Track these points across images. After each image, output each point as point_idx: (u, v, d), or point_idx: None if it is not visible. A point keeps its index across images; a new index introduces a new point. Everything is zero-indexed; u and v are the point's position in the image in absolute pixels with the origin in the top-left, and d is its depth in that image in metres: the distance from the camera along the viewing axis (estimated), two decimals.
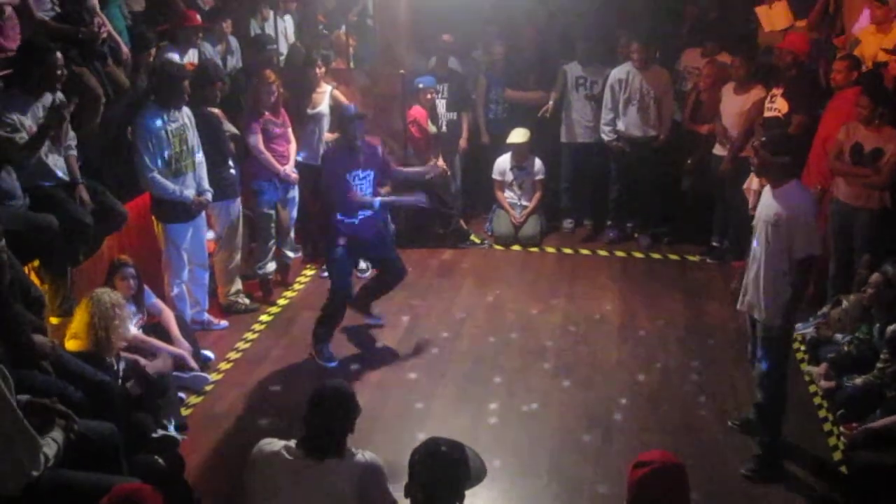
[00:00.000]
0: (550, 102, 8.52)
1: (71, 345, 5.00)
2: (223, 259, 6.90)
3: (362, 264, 7.68)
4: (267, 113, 6.95)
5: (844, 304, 6.06)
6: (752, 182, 7.00)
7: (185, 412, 5.59)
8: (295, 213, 7.46)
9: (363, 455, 3.38)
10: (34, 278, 5.16)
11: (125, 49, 6.59)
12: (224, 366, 6.28)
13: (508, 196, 8.69)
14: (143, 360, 5.26)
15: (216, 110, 6.67)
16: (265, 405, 5.75)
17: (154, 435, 4.91)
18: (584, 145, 8.61)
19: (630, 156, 8.28)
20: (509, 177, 8.66)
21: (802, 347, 6.34)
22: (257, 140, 6.91)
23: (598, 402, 5.78)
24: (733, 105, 7.53)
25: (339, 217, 6.19)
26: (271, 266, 7.36)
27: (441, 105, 8.49)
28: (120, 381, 4.95)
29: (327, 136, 7.58)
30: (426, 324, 6.92)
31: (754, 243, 4.93)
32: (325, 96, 7.60)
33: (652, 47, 8.17)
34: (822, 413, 5.63)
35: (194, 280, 6.54)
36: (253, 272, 7.30)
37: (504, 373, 6.16)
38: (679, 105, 8.33)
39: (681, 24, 9.03)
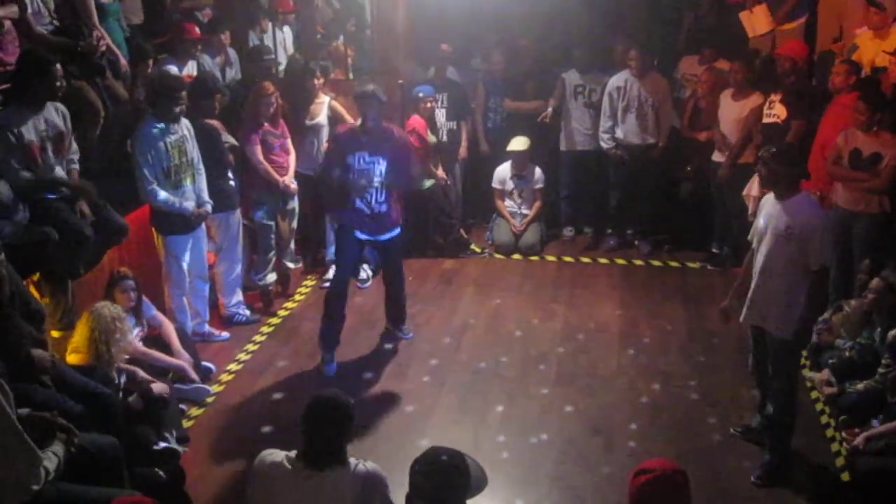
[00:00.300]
0: (549, 109, 8.53)
1: (72, 358, 5.00)
2: (223, 270, 6.90)
3: (363, 273, 7.70)
4: (266, 124, 6.96)
5: (845, 309, 6.05)
6: (752, 188, 7.00)
7: (186, 424, 5.58)
8: (295, 224, 7.46)
9: (364, 465, 3.37)
10: (34, 291, 5.15)
11: (124, 62, 6.61)
12: (225, 377, 6.27)
13: (508, 205, 8.69)
14: (140, 372, 5.24)
15: (215, 122, 6.68)
16: (267, 416, 5.74)
17: (155, 447, 4.90)
18: (583, 153, 8.62)
19: (629, 163, 8.29)
20: (509, 185, 8.67)
21: (804, 353, 6.32)
22: (256, 151, 6.91)
23: (600, 410, 5.77)
24: (731, 111, 7.54)
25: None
26: (271, 277, 7.36)
27: (440, 114, 8.49)
28: (121, 394, 4.95)
29: (326, 146, 7.59)
30: (427, 333, 6.91)
31: (760, 256, 4.88)
32: (323, 107, 7.61)
33: (650, 55, 8.19)
34: (824, 419, 5.62)
35: (195, 292, 6.54)
36: (253, 283, 7.30)
37: (505, 381, 6.15)
38: (677, 112, 8.34)
39: (679, 31, 9.04)
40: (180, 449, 5.12)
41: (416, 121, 8.06)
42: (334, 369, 6.30)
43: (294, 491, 3.30)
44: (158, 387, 5.12)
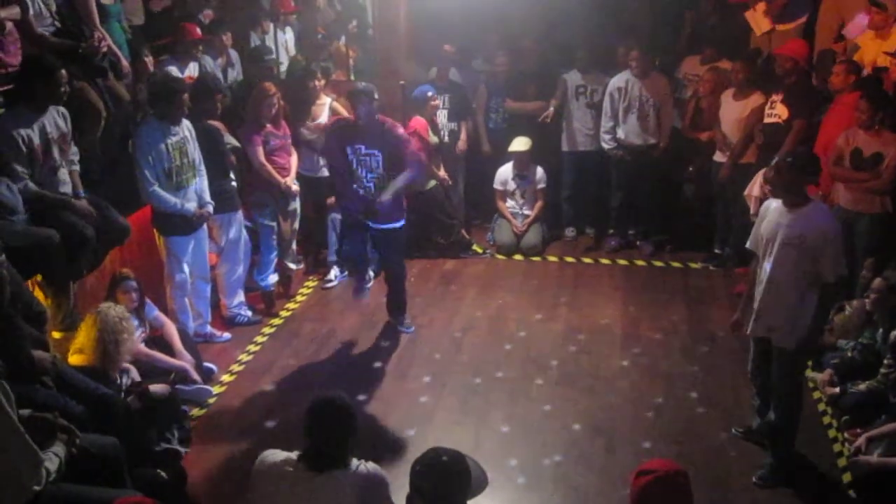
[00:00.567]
0: (551, 109, 8.54)
1: (75, 359, 5.01)
2: (225, 271, 6.90)
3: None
4: (268, 125, 6.97)
5: (847, 309, 6.04)
6: (753, 188, 7.00)
7: (188, 425, 5.57)
8: (296, 225, 7.47)
9: (365, 466, 3.37)
10: (37, 293, 5.16)
11: (125, 63, 6.61)
12: (227, 378, 6.28)
13: (510, 205, 8.69)
14: (133, 371, 5.25)
15: (217, 123, 6.69)
16: (268, 417, 5.74)
17: (157, 448, 4.91)
18: (585, 154, 8.62)
19: (631, 164, 8.28)
20: (511, 186, 8.67)
21: None
22: (258, 152, 6.92)
23: (602, 410, 5.76)
24: (732, 111, 7.54)
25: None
26: (273, 278, 7.36)
27: (442, 115, 8.50)
28: (122, 394, 4.95)
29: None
30: (429, 333, 6.91)
31: (767, 266, 4.75)
32: (324, 108, 7.61)
33: (651, 55, 8.19)
34: (826, 419, 5.61)
35: (196, 293, 6.54)
36: (255, 284, 7.31)
37: (507, 382, 6.15)
38: (679, 112, 8.34)
39: (680, 31, 9.04)
40: (182, 450, 5.13)
41: (417, 122, 8.06)
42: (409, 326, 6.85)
43: (295, 492, 3.30)
44: (157, 388, 5.12)
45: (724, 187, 7.69)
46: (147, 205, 6.24)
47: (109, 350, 4.96)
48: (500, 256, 8.55)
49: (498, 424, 5.63)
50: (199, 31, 7.51)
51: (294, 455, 3.36)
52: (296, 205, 7.34)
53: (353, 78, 8.74)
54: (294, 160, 7.24)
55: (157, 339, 5.83)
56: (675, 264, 8.26)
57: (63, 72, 5.28)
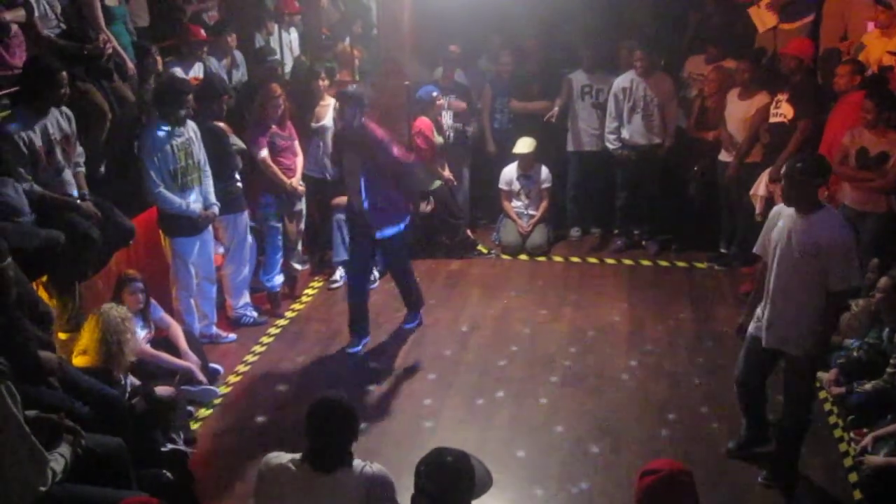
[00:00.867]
0: (555, 109, 8.54)
1: (79, 360, 5.02)
2: (231, 272, 6.91)
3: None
4: (273, 126, 6.97)
5: (853, 308, 6.03)
6: (759, 187, 6.99)
7: (194, 426, 5.60)
8: (302, 226, 7.48)
9: (370, 467, 3.36)
10: (42, 293, 5.18)
11: (130, 65, 6.62)
12: (233, 379, 6.29)
13: (515, 205, 8.69)
14: (131, 377, 5.25)
15: (222, 124, 6.70)
16: (274, 418, 5.76)
17: (163, 449, 4.91)
18: (590, 154, 8.61)
19: (636, 164, 8.27)
20: (516, 186, 8.67)
21: None
22: (264, 153, 6.93)
23: (607, 410, 5.76)
24: (738, 110, 7.52)
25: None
26: (279, 279, 7.37)
27: (447, 116, 8.50)
28: (127, 395, 4.96)
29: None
30: (434, 334, 6.92)
31: (778, 273, 4.60)
32: (329, 109, 7.62)
33: (655, 55, 8.18)
34: (832, 419, 5.60)
35: (202, 293, 6.56)
36: (261, 285, 7.31)
37: (512, 382, 6.15)
38: (684, 112, 8.33)
39: (685, 31, 9.03)
40: (188, 450, 5.14)
41: (422, 122, 8.07)
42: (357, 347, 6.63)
43: (300, 493, 3.29)
44: (163, 389, 5.13)
45: (729, 187, 7.68)
46: (153, 206, 6.25)
47: (113, 350, 4.97)
48: (505, 256, 8.54)
49: (503, 424, 5.63)
50: (203, 32, 7.52)
51: (298, 456, 3.35)
52: (301, 205, 7.35)
53: (357, 78, 8.74)
54: (300, 161, 7.25)
55: (163, 340, 5.84)
56: (681, 264, 8.24)
57: (64, 73, 5.28)
